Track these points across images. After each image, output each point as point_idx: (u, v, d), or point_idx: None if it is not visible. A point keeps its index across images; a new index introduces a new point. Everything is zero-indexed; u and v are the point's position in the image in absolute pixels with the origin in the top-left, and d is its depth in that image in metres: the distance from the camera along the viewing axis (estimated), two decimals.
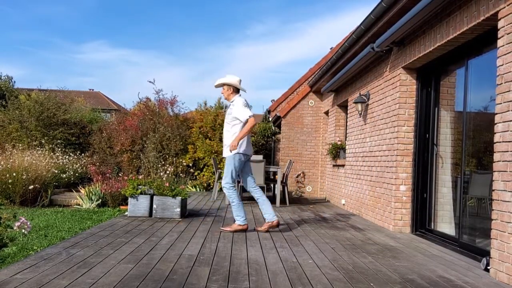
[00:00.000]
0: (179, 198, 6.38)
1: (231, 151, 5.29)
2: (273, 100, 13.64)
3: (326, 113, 11.38)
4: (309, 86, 11.67)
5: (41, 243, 4.45)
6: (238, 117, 5.32)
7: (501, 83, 3.68)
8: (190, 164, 12.05)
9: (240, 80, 5.54)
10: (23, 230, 3.29)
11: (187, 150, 12.23)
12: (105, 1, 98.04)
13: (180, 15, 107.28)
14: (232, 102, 5.48)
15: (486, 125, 4.57)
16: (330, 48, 12.66)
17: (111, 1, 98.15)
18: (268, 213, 5.43)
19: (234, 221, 5.45)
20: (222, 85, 5.52)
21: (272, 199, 9.52)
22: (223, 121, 9.73)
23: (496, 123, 3.73)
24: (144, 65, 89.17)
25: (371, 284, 3.27)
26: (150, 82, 12.60)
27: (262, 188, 8.75)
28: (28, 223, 3.33)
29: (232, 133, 5.35)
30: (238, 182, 9.04)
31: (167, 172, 9.10)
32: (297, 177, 11.56)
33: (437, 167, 5.70)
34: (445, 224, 5.51)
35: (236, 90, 5.51)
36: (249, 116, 5.27)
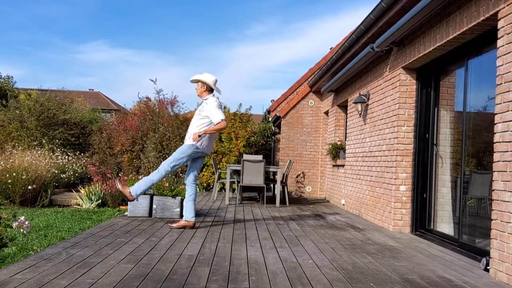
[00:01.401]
0: (179, 198, 6.38)
1: (194, 140, 5.30)
2: (273, 100, 13.63)
3: (326, 113, 11.38)
4: (309, 86, 11.67)
5: (41, 243, 4.45)
6: (210, 117, 5.33)
7: (501, 83, 3.68)
8: None
9: (216, 80, 5.54)
10: (21, 230, 3.28)
11: None
12: (105, 1, 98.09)
13: (180, 15, 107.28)
14: (205, 100, 5.49)
15: (486, 125, 4.57)
16: (330, 48, 12.65)
17: (111, 1, 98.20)
18: (189, 212, 5.41)
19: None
20: (198, 81, 5.52)
21: (272, 199, 9.52)
22: None
23: (496, 123, 3.73)
24: (144, 65, 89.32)
25: (371, 284, 3.27)
26: (151, 80, 12.55)
27: (261, 188, 8.76)
28: (27, 223, 3.33)
29: (198, 129, 5.38)
30: (238, 182, 9.03)
31: None
32: (297, 177, 11.56)
33: (437, 167, 5.70)
34: (445, 224, 5.51)
35: (210, 90, 5.52)
36: (221, 120, 5.26)
